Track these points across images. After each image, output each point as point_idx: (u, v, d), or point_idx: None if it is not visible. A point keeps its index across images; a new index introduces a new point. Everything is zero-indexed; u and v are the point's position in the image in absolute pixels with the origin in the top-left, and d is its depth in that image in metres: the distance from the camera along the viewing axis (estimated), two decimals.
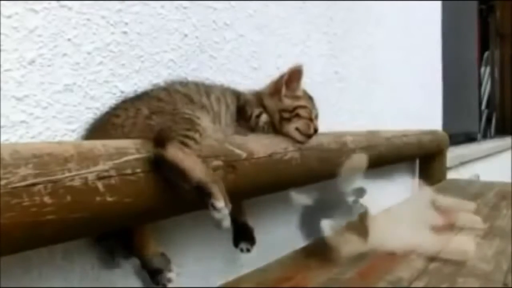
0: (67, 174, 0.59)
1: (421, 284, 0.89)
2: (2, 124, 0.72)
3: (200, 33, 1.11)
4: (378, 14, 2.04)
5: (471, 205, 1.44)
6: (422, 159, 2.35)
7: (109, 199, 0.64)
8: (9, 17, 0.74)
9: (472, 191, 1.99)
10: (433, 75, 2.80)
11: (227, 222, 0.71)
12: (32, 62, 0.77)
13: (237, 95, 1.02)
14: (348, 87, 1.79)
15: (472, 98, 4.24)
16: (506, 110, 5.24)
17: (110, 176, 0.65)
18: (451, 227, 1.24)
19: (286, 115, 1.03)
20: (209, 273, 1.08)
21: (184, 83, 0.94)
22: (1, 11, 0.73)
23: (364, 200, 1.02)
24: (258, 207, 1.15)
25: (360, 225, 0.99)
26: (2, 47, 0.73)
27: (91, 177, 0.62)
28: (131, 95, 0.89)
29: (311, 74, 1.48)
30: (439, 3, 2.86)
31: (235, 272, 1.02)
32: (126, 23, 0.93)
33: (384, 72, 2.10)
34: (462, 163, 2.91)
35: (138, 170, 0.69)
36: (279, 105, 1.03)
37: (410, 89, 2.39)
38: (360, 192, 1.02)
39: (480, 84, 4.66)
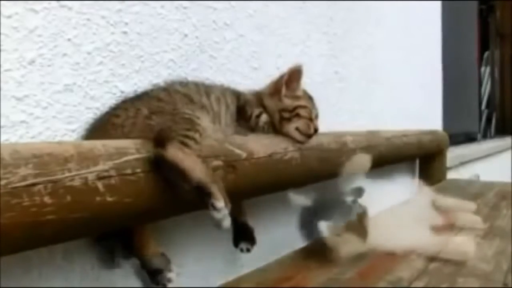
0: (67, 174, 0.59)
1: (421, 284, 0.89)
2: (2, 124, 0.72)
3: (200, 33, 1.11)
4: (378, 14, 2.04)
5: (471, 205, 1.44)
6: (422, 159, 2.35)
7: (109, 199, 0.64)
8: (9, 17, 0.74)
9: (472, 191, 1.99)
10: (433, 75, 2.81)
11: (227, 222, 0.71)
12: (32, 62, 0.77)
13: (237, 95, 1.02)
14: (348, 87, 1.79)
15: (472, 98, 4.24)
16: (506, 110, 5.24)
17: (110, 176, 0.65)
18: (451, 227, 1.24)
19: (286, 115, 1.03)
20: (209, 273, 1.08)
21: (184, 83, 0.94)
22: (1, 11, 0.73)
23: (364, 200, 1.02)
24: (258, 207, 1.15)
25: (358, 225, 0.98)
26: (2, 47, 0.73)
27: (91, 177, 0.62)
28: (131, 95, 0.89)
29: (311, 74, 1.48)
30: (439, 3, 2.86)
31: (235, 272, 1.02)
32: (126, 23, 0.93)
33: (384, 72, 2.10)
34: (462, 163, 2.91)
35: (138, 170, 0.69)
36: (279, 105, 1.03)
37: (410, 89, 2.39)
38: (359, 192, 1.02)
39: (480, 84, 4.66)
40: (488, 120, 4.98)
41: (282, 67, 1.13)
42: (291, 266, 1.01)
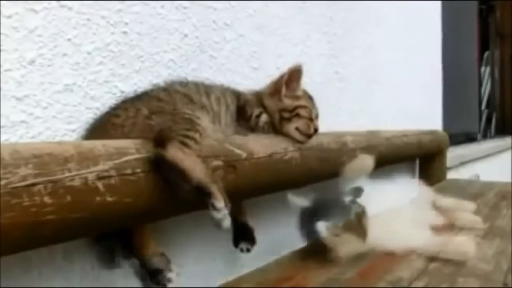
0: (67, 174, 0.59)
1: (421, 284, 0.89)
2: (2, 124, 0.72)
3: (200, 33, 1.11)
4: (378, 14, 2.05)
5: (471, 205, 1.44)
6: (422, 159, 2.35)
7: (109, 199, 0.64)
8: (9, 17, 0.74)
9: (472, 191, 1.99)
10: (433, 75, 2.81)
11: (227, 222, 0.71)
12: (32, 62, 0.77)
13: (237, 95, 1.02)
14: (348, 87, 1.79)
15: (472, 98, 4.24)
16: (506, 110, 5.24)
17: (110, 176, 0.65)
18: (451, 227, 1.24)
19: (286, 115, 1.03)
20: (209, 273, 1.08)
21: (184, 83, 0.94)
22: (1, 11, 0.73)
23: (363, 200, 1.02)
24: (258, 207, 1.15)
25: (357, 225, 0.98)
26: (2, 47, 0.73)
27: (91, 177, 0.62)
28: (131, 95, 0.89)
29: (311, 74, 1.48)
30: (439, 3, 2.86)
31: (235, 272, 1.02)
32: (126, 23, 0.93)
33: (384, 72, 2.10)
34: (462, 163, 2.91)
35: (138, 170, 0.69)
36: (279, 105, 1.03)
37: (410, 89, 2.39)
38: (357, 191, 1.02)
39: (480, 84, 4.66)
40: (488, 120, 4.98)
41: (282, 67, 1.13)
42: (291, 266, 1.01)
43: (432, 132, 2.29)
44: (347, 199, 1.01)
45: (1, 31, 0.73)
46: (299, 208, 1.03)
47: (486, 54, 5.05)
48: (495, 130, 5.07)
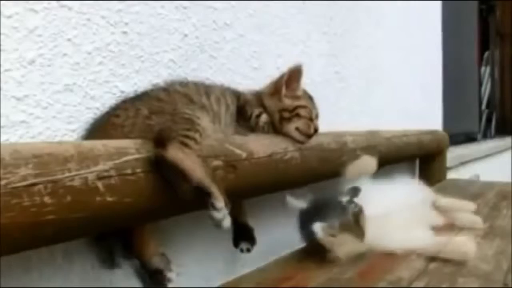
0: (67, 174, 0.59)
1: (421, 284, 0.89)
2: (2, 124, 0.72)
3: (200, 33, 1.11)
4: (378, 14, 2.05)
5: (471, 205, 1.44)
6: (422, 159, 2.35)
7: (109, 199, 0.64)
8: (9, 17, 0.74)
9: (472, 191, 1.99)
10: (433, 75, 2.81)
11: (227, 222, 0.71)
12: (32, 62, 0.77)
13: (237, 95, 1.02)
14: (348, 87, 1.79)
15: (472, 98, 4.24)
16: (506, 110, 5.24)
17: (110, 176, 0.65)
18: (451, 227, 1.24)
19: (286, 115, 1.03)
20: (209, 273, 1.08)
21: (184, 83, 0.94)
22: (1, 11, 0.73)
23: (363, 200, 1.02)
24: (258, 207, 1.15)
25: (355, 225, 0.98)
26: (2, 47, 0.73)
27: (91, 177, 0.62)
28: (131, 95, 0.89)
29: (311, 74, 1.48)
30: (439, 3, 2.86)
31: (235, 272, 1.02)
32: (126, 23, 0.93)
33: (384, 72, 2.10)
34: (462, 163, 2.91)
35: (138, 170, 0.69)
36: (279, 105, 1.03)
37: (410, 89, 2.39)
38: (355, 191, 1.01)
39: (480, 84, 4.66)
40: (488, 120, 4.97)
41: (282, 67, 1.14)
42: (291, 266, 1.01)
43: (432, 132, 2.29)
44: (345, 199, 1.00)
45: (1, 31, 0.73)
46: (297, 210, 1.02)
47: (486, 54, 5.04)
48: (495, 130, 5.07)
